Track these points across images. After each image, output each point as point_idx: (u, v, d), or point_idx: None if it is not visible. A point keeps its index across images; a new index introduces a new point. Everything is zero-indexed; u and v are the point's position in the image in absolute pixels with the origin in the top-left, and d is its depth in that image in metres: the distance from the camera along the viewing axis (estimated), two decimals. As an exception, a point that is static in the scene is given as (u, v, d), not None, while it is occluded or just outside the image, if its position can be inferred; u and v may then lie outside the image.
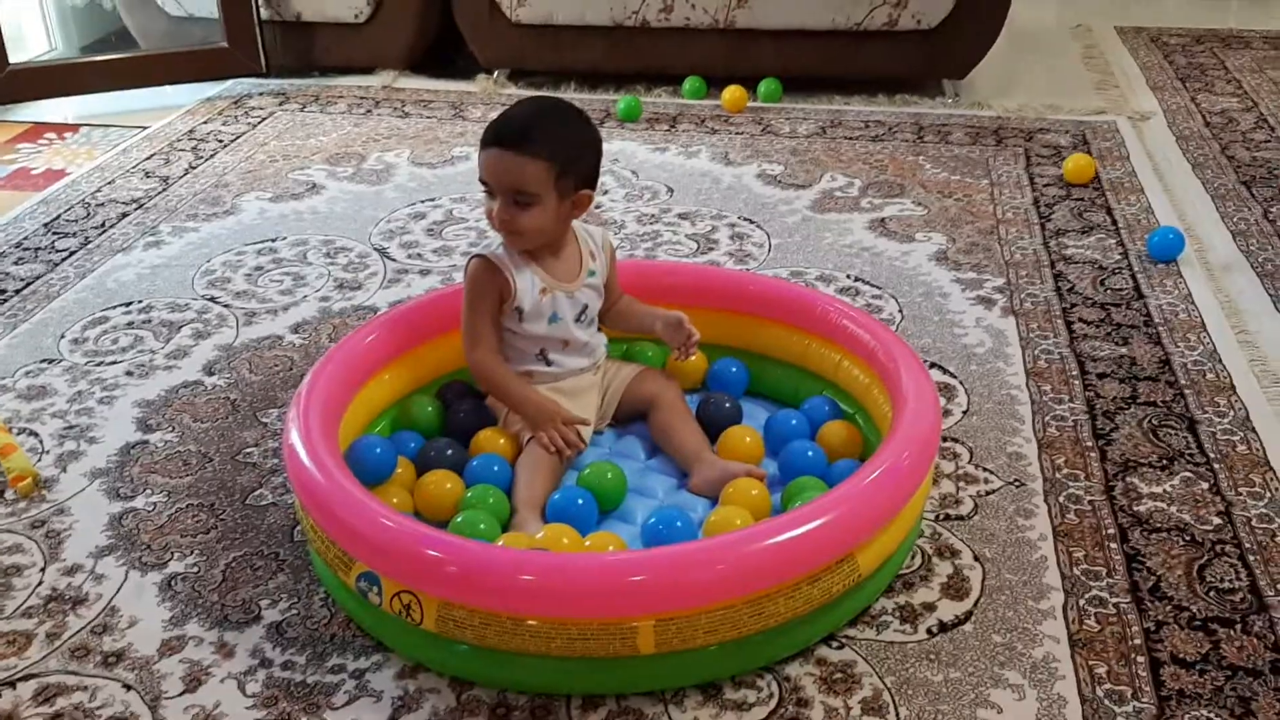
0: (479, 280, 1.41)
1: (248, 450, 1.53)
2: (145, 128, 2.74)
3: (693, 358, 1.49)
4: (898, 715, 1.11)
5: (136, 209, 2.28)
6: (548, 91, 2.93)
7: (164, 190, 2.37)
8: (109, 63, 2.90)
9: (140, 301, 1.92)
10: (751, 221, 2.19)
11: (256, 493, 1.45)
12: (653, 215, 2.23)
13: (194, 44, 2.96)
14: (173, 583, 1.30)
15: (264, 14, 2.90)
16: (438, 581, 1.07)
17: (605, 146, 2.55)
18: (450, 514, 1.29)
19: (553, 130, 1.35)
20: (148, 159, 2.54)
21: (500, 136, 1.34)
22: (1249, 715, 1.10)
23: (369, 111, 2.82)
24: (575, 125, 1.39)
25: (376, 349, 1.43)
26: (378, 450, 1.32)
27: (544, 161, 1.33)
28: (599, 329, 1.51)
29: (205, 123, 2.76)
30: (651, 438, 1.47)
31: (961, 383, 1.66)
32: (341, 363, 1.38)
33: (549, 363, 1.45)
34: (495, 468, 1.34)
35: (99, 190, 2.38)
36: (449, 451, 1.38)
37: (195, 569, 1.32)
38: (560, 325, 1.43)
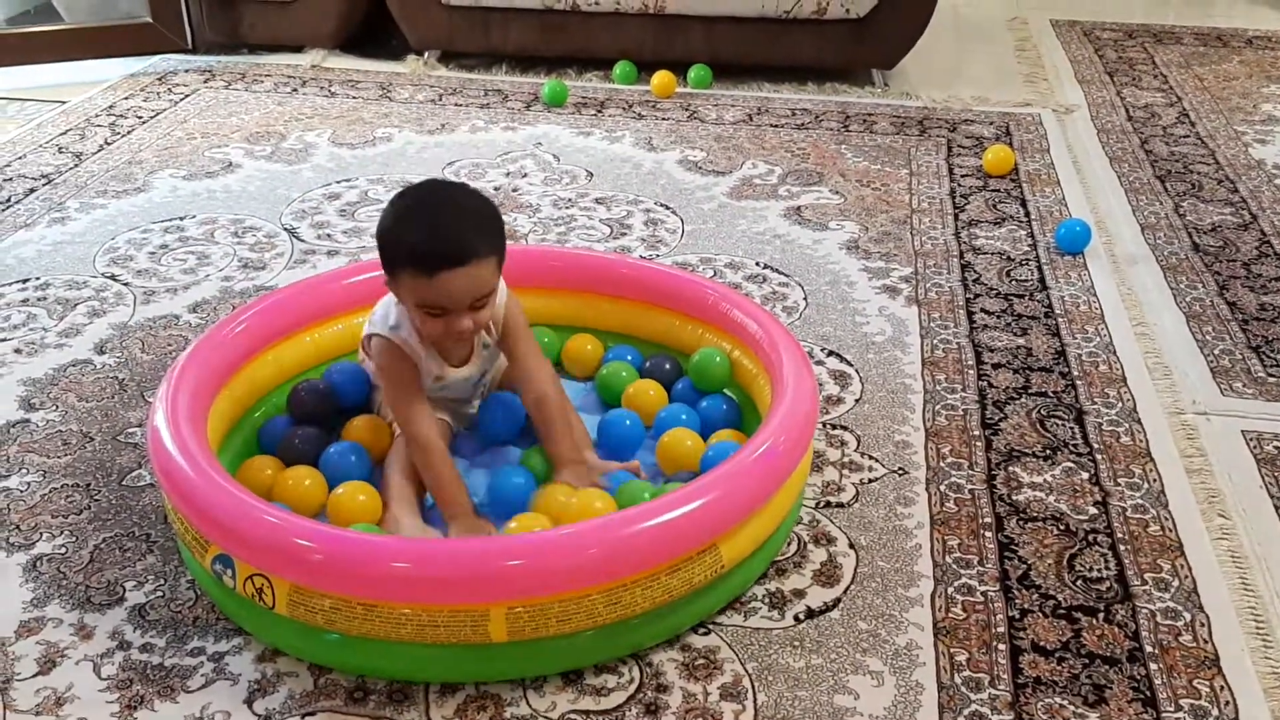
0: (394, 362, 1.33)
1: (131, 430, 1.51)
2: (64, 102, 2.70)
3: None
4: (755, 701, 1.11)
5: (45, 184, 2.24)
6: (479, 75, 2.91)
7: (76, 166, 2.33)
8: (31, 36, 2.84)
9: (38, 278, 1.89)
10: (667, 207, 2.18)
11: (134, 473, 1.43)
12: (569, 199, 2.22)
13: (119, 19, 2.91)
14: (38, 564, 1.28)
15: (190, -11, 2.86)
16: (286, 565, 1.06)
17: (530, 130, 2.57)
18: (314, 511, 1.27)
19: (485, 225, 1.28)
20: (63, 134, 2.50)
21: (455, 257, 1.22)
22: (1102, 702, 1.12)
23: (295, 90, 2.79)
24: (489, 206, 1.31)
25: (257, 330, 1.41)
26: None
27: (494, 257, 1.27)
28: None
29: (126, 99, 2.72)
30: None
31: (857, 371, 1.66)
32: (219, 344, 1.36)
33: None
34: (353, 457, 1.32)
35: (8, 165, 2.33)
36: (312, 440, 1.36)
37: (63, 550, 1.30)
38: (449, 391, 1.40)
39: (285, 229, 2.08)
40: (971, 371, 1.66)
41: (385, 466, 1.34)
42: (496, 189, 2.25)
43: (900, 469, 1.45)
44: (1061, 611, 1.23)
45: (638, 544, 1.08)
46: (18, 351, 1.68)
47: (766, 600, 1.24)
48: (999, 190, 2.28)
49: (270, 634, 1.14)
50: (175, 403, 1.23)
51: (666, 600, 1.12)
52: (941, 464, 1.46)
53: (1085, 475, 1.44)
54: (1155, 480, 1.43)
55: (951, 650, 1.17)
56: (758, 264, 1.97)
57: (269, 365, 1.44)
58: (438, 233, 1.24)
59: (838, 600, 1.24)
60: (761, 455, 1.19)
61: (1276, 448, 1.51)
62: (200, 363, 1.31)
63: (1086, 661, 1.16)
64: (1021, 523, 1.36)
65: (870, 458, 1.47)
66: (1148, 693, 1.13)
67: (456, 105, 2.69)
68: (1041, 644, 1.18)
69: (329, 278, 1.55)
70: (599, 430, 1.42)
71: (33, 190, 2.22)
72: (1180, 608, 1.23)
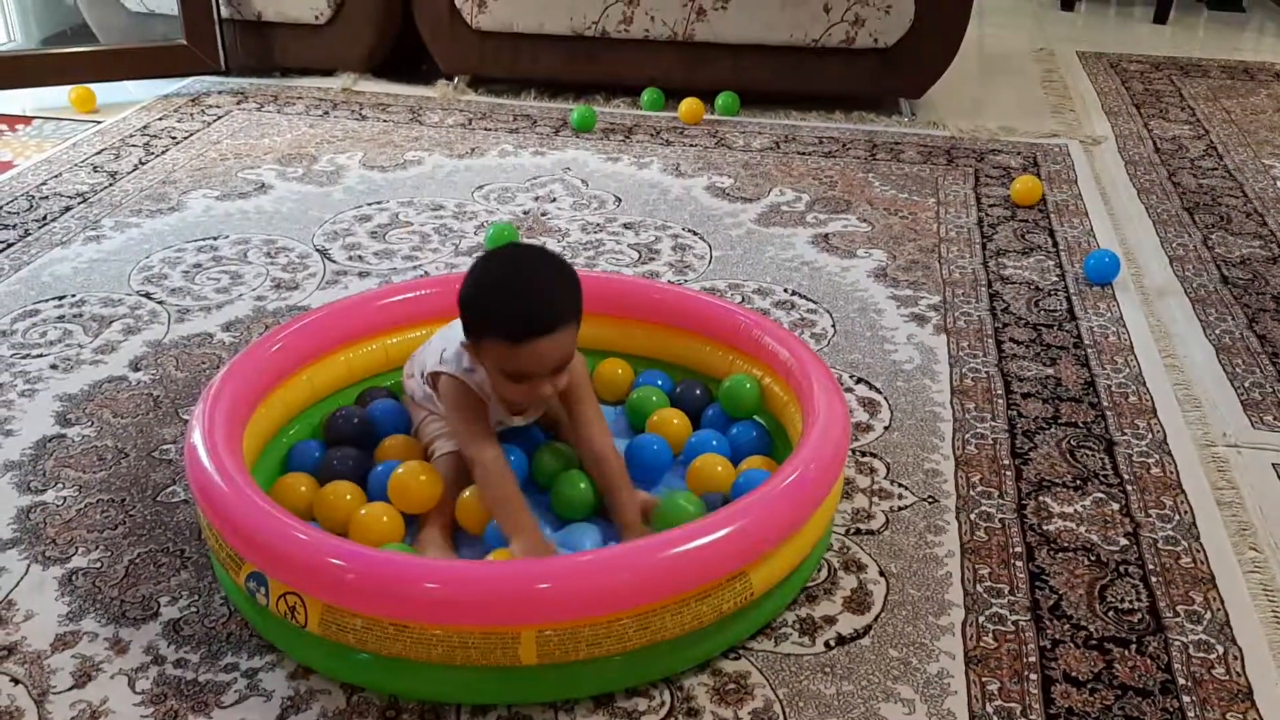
0: (466, 398, 1.34)
1: (165, 447, 1.52)
2: (99, 122, 2.73)
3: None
4: (786, 727, 1.11)
5: (80, 203, 2.27)
6: (508, 100, 2.94)
7: (110, 185, 2.36)
8: (66, 56, 2.88)
9: (73, 296, 1.91)
10: (695, 233, 2.20)
11: (169, 489, 1.44)
12: (598, 224, 2.23)
13: (153, 40, 2.95)
14: (74, 578, 1.29)
15: (224, 12, 2.90)
16: (318, 584, 1.07)
17: (559, 155, 2.59)
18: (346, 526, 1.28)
19: (570, 291, 1.28)
20: (98, 154, 2.53)
21: (544, 325, 1.23)
22: (1135, 735, 1.11)
23: (326, 113, 2.82)
24: (570, 271, 1.30)
25: (293, 350, 1.43)
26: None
27: (575, 323, 1.28)
28: None
29: (160, 119, 2.76)
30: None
31: (887, 399, 1.66)
32: (256, 362, 1.37)
33: None
34: None
35: (44, 183, 2.37)
36: (350, 461, 1.37)
37: (98, 564, 1.31)
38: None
39: (317, 250, 2.10)
40: (1001, 400, 1.66)
41: None
42: (525, 213, 2.27)
43: (930, 497, 1.45)
44: (1093, 642, 1.22)
45: (667, 570, 1.09)
46: (54, 367, 1.70)
47: (797, 626, 1.24)
48: (1027, 220, 2.28)
49: (302, 652, 1.15)
50: (212, 420, 1.24)
51: (696, 626, 1.12)
52: (971, 493, 1.46)
53: (1116, 506, 1.44)
54: (1186, 512, 1.43)
55: (983, 679, 1.17)
56: (786, 290, 1.98)
57: (304, 386, 1.45)
58: (526, 304, 1.23)
59: (869, 627, 1.24)
60: (792, 483, 1.19)
61: (1309, 481, 1.50)
62: (237, 381, 1.33)
63: (1119, 693, 1.16)
64: (1052, 553, 1.35)
65: (900, 485, 1.47)
66: (1181, 726, 1.12)
67: (486, 130, 2.72)
68: (1074, 675, 1.18)
69: (364, 299, 1.56)
70: (626, 454, 1.43)
71: (68, 209, 2.25)
72: (1213, 640, 1.23)
